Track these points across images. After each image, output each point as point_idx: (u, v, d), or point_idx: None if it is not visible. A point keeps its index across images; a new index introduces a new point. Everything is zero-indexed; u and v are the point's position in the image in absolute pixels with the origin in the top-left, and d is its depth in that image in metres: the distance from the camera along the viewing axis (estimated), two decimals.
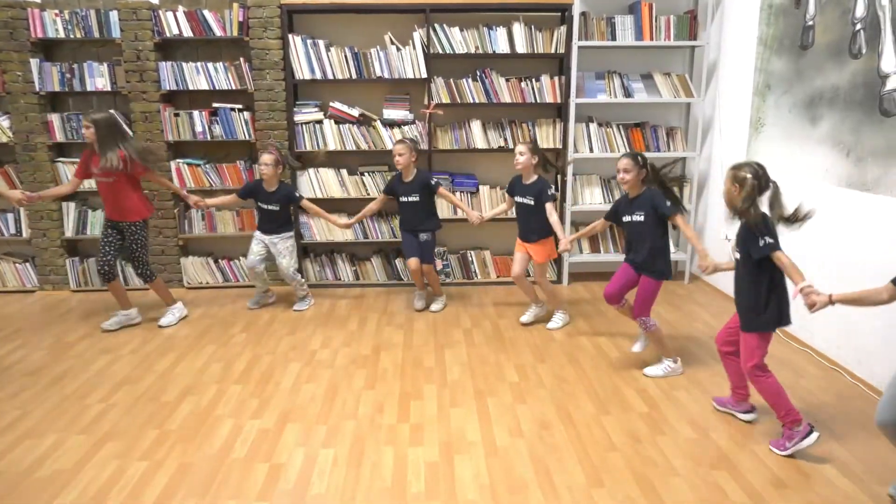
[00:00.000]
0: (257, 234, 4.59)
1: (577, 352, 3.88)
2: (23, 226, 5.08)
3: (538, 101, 4.93)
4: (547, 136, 5.05)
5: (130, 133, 4.32)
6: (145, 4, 4.67)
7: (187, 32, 4.73)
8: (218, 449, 2.83)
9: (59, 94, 4.93)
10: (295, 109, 4.89)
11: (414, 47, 4.79)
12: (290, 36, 4.73)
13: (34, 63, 4.73)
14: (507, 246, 5.28)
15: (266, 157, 4.38)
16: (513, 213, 4.35)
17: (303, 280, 4.72)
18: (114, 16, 4.68)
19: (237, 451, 2.82)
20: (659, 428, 2.99)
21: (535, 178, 4.11)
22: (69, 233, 5.07)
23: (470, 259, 5.25)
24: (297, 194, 4.59)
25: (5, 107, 4.86)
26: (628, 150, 4.88)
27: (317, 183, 5.00)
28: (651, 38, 4.86)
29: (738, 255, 2.83)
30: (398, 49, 4.81)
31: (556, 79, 4.91)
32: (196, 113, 4.87)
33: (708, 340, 3.97)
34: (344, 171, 5.00)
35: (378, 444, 2.86)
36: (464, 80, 4.87)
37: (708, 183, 5.19)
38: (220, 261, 5.18)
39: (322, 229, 5.10)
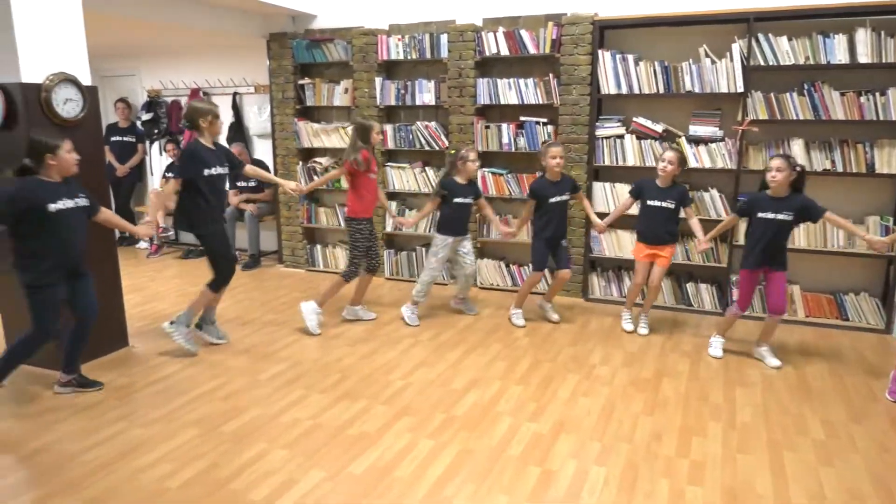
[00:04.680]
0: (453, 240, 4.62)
1: None
2: None
3: (881, 118, 4.23)
4: (889, 159, 4.30)
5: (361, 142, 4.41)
6: (471, 27, 5.14)
7: (504, 51, 5.08)
8: (496, 443, 2.99)
9: (393, 107, 5.69)
10: (597, 124, 4.93)
11: (731, 59, 4.48)
12: (599, 51, 4.78)
13: (378, 81, 5.54)
14: (819, 283, 4.66)
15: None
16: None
17: None
18: (444, 38, 5.24)
19: (513, 448, 2.94)
20: None
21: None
22: (389, 228, 5.82)
23: None
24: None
25: (353, 118, 5.76)
26: None
27: (611, 197, 4.97)
28: None
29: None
30: (713, 62, 4.54)
31: None
32: (504, 126, 5.21)
33: None
34: None
35: (653, 474, 2.74)
36: (787, 94, 4.40)
37: None
38: (510, 265, 5.46)
39: (612, 244, 5.05)
